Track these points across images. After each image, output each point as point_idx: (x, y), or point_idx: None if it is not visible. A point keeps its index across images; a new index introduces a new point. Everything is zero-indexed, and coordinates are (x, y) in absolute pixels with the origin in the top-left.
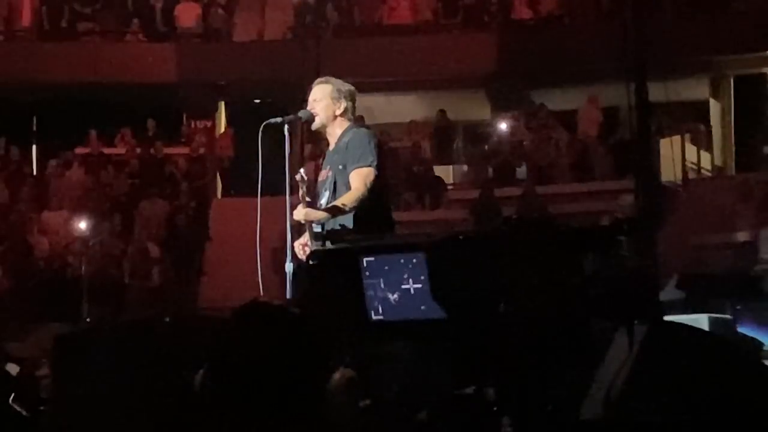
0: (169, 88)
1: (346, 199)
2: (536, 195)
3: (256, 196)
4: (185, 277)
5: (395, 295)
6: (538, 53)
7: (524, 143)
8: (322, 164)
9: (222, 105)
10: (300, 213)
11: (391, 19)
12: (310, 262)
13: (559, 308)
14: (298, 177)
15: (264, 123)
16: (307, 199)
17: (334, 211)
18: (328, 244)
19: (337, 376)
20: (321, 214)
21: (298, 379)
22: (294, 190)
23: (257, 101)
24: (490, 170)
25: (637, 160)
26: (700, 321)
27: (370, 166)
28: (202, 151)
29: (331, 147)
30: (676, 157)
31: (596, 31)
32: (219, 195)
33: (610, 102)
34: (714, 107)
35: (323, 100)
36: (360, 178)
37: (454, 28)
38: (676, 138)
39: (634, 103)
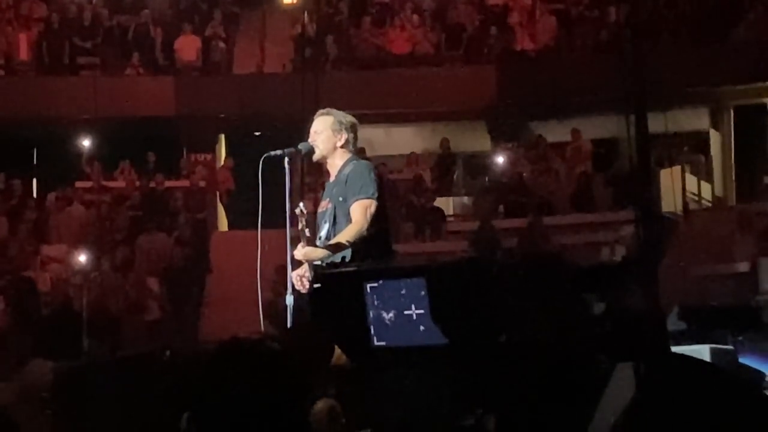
0: (170, 121)
1: (347, 235)
2: (542, 227)
3: (257, 229)
4: (186, 311)
5: (397, 320)
6: (538, 85)
7: (524, 175)
8: (322, 196)
9: (222, 138)
10: (300, 252)
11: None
12: (313, 285)
13: (561, 341)
14: (297, 211)
15: (264, 156)
16: (307, 233)
17: (335, 248)
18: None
19: (319, 405)
20: (321, 253)
21: (277, 413)
22: (294, 223)
23: (257, 134)
24: (490, 202)
25: (638, 191)
26: (702, 352)
27: (371, 197)
28: (202, 183)
29: (332, 178)
30: (676, 187)
31: (596, 63)
32: (219, 227)
33: (610, 133)
34: (714, 138)
35: (324, 132)
36: (361, 210)
37: (455, 60)
38: (677, 169)
39: (634, 135)
